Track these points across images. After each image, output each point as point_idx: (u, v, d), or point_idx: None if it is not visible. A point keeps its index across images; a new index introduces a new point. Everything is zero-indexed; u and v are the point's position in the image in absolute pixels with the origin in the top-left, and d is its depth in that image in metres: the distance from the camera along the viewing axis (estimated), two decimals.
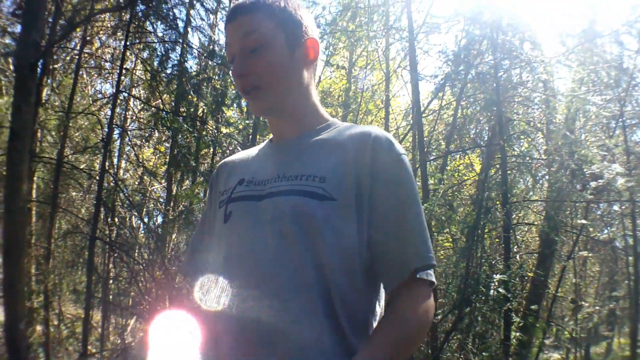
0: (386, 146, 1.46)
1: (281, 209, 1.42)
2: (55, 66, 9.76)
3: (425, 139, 8.22)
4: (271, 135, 1.77)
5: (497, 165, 7.89)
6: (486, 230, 8.01)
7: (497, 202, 7.46)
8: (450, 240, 8.63)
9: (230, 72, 1.58)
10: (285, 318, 1.35)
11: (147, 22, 6.86)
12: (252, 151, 1.78)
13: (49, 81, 9.48)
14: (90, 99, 9.69)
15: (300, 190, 1.43)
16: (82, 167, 8.87)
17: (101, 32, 8.82)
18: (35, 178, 9.63)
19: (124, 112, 9.61)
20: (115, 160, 8.98)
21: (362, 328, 1.42)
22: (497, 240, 8.20)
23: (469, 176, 9.33)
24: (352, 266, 1.39)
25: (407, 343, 1.37)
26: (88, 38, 8.66)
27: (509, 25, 7.57)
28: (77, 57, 8.86)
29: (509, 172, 8.14)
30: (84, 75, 10.38)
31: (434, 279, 1.42)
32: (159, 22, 6.57)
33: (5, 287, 5.01)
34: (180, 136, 7.45)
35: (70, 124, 8.52)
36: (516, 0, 7.91)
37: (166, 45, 6.83)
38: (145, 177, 8.05)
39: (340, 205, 1.40)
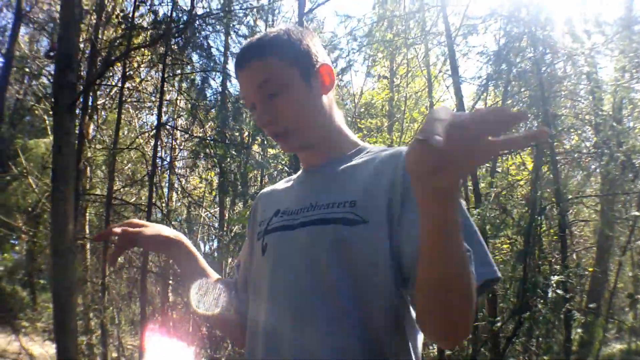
0: None
1: (313, 238, 1.42)
2: (99, 102, 10.05)
3: None
4: None
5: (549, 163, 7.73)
6: (543, 230, 7.89)
7: (552, 200, 7.31)
8: (508, 243, 8.50)
9: (255, 120, 1.53)
10: (323, 352, 1.34)
11: (184, 54, 6.96)
12: (290, 180, 1.79)
13: (95, 117, 9.75)
14: (136, 132, 9.89)
15: (332, 218, 1.41)
16: (132, 200, 9.05)
17: (142, 65, 9.00)
18: (87, 214, 9.89)
19: (170, 142, 9.80)
20: (165, 191, 9.14)
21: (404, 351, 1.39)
22: (555, 239, 8.02)
23: (522, 176, 9.16)
24: (387, 287, 1.36)
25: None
26: (129, 73, 8.86)
27: (547, 19, 7.46)
28: (119, 92, 9.06)
29: (561, 168, 8.00)
30: (130, 109, 10.63)
31: (493, 275, 1.30)
32: (195, 52, 6.63)
33: (55, 326, 5.12)
34: (225, 162, 7.54)
35: (118, 159, 8.71)
36: None
37: (205, 74, 6.91)
38: (192, 207, 8.16)
39: (372, 227, 1.37)
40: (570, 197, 7.90)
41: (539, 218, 7.16)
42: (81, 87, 5.52)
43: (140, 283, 6.55)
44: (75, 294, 5.31)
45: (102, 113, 10.56)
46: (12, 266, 15.14)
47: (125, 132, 10.33)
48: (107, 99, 10.49)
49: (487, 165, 8.82)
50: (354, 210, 1.39)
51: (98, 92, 10.06)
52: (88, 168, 10.03)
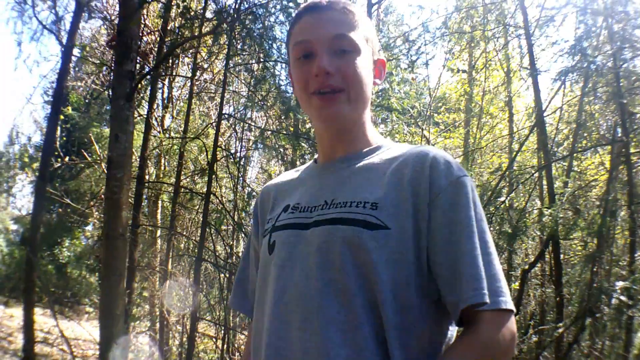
0: (444, 168, 1.39)
1: (329, 240, 1.38)
2: (176, 94, 10.30)
3: (550, 138, 7.90)
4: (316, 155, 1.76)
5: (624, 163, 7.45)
6: (617, 233, 7.64)
7: (623, 203, 7.07)
8: (581, 246, 8.26)
9: (298, 68, 1.45)
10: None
11: (243, 44, 7.02)
12: (296, 173, 1.77)
13: (170, 108, 10.00)
14: (206, 122, 10.08)
15: (351, 219, 1.37)
16: (197, 188, 9.24)
17: (212, 57, 9.16)
18: (159, 202, 10.16)
19: (236, 133, 9.96)
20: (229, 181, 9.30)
21: None
22: (629, 242, 7.74)
23: (599, 176, 8.84)
24: (409, 301, 1.33)
25: None
26: (199, 64, 9.02)
27: (624, 12, 7.18)
28: (190, 83, 9.25)
29: (639, 168, 7.70)
30: (205, 99, 10.85)
31: (501, 306, 1.30)
32: (255, 43, 6.68)
33: (101, 311, 5.27)
34: (286, 153, 7.60)
35: (188, 148, 8.89)
36: None
37: (265, 64, 6.96)
38: (251, 198, 8.26)
39: (395, 235, 1.34)
40: None
41: (611, 220, 6.95)
42: (138, 77, 5.57)
43: (195, 272, 6.67)
44: (124, 281, 5.44)
45: (179, 103, 10.86)
46: (81, 251, 15.67)
47: (199, 123, 10.53)
48: (182, 90, 10.78)
49: (564, 163, 8.57)
50: (375, 214, 1.36)
51: (173, 84, 10.39)
52: (162, 157, 10.34)
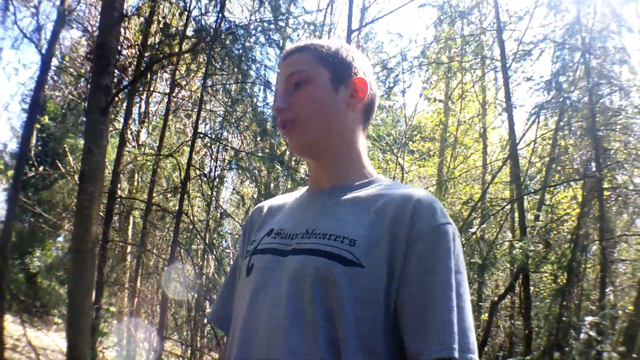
0: (427, 213, 1.33)
1: (302, 269, 1.33)
2: (152, 109, 10.20)
3: (523, 172, 7.92)
4: None
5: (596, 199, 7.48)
6: (588, 267, 7.66)
7: (596, 238, 7.09)
8: (551, 279, 8.27)
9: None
10: None
11: (222, 63, 6.97)
12: (290, 197, 1.71)
13: (146, 124, 9.89)
14: (180, 139, 10.00)
15: (326, 252, 1.32)
16: (169, 206, 9.13)
17: (191, 75, 9.09)
18: (130, 218, 10.02)
19: (211, 152, 9.86)
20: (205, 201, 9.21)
21: None
22: (599, 277, 7.75)
23: (571, 210, 8.86)
24: (373, 343, 1.27)
25: None
26: (177, 81, 8.94)
27: (602, 48, 7.23)
28: (167, 100, 9.16)
29: (612, 204, 7.74)
30: (181, 116, 10.76)
31: None
32: (232, 63, 6.64)
33: (68, 324, 5.17)
34: (261, 175, 7.54)
35: (162, 165, 8.79)
36: (607, 20, 7.40)
37: (242, 84, 6.91)
38: (223, 218, 8.17)
39: (368, 274, 1.28)
40: (613, 235, 7.60)
41: (582, 255, 6.96)
42: (114, 91, 5.48)
43: (163, 291, 6.56)
44: (91, 295, 5.33)
45: (155, 119, 10.76)
46: (52, 262, 15.50)
47: (175, 140, 10.44)
48: (158, 105, 10.69)
49: (536, 197, 8.60)
50: (352, 250, 1.30)
51: (150, 100, 10.29)
52: (135, 173, 10.22)
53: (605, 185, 7.47)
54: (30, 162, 8.59)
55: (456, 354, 1.19)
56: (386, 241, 1.31)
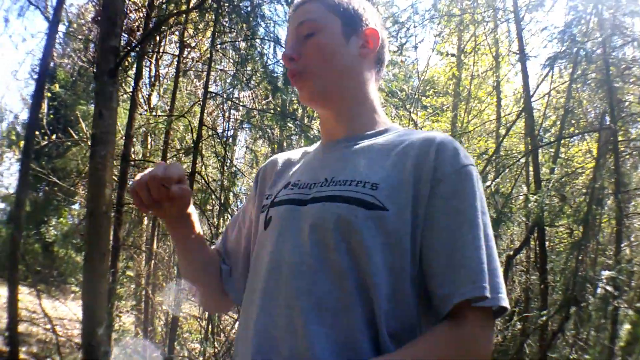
0: (451, 155, 1.34)
1: (323, 216, 1.33)
2: (163, 72, 10.18)
3: (537, 124, 7.87)
4: None
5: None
6: (604, 221, 7.63)
7: (610, 192, 7.04)
8: (566, 233, 8.25)
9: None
10: (323, 346, 1.24)
11: (230, 21, 6.94)
12: (304, 152, 1.72)
13: (157, 86, 9.90)
14: (191, 100, 9.99)
15: (348, 197, 1.32)
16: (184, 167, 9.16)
17: (199, 35, 9.07)
18: None
19: (223, 112, 9.89)
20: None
21: None
22: (615, 231, 7.72)
23: (586, 163, 8.81)
24: (402, 290, 1.27)
25: None
26: (187, 42, 8.92)
27: None
28: (176, 62, 9.16)
29: (627, 157, 7.68)
30: (192, 77, 10.75)
31: (501, 303, 1.24)
32: (241, 21, 6.60)
33: (84, 289, 5.22)
34: (273, 133, 7.56)
35: (174, 126, 8.82)
36: None
37: (251, 42, 6.88)
38: (237, 177, 8.20)
39: (393, 218, 1.28)
40: (628, 189, 7.54)
41: (597, 209, 6.93)
42: (122, 53, 5.48)
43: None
44: (107, 259, 5.38)
45: (165, 82, 10.76)
46: (67, 230, 15.61)
47: (187, 102, 10.45)
48: (168, 68, 10.68)
49: (551, 150, 8.55)
50: (375, 194, 1.30)
51: (160, 62, 10.29)
52: (148, 136, 10.25)
53: (620, 138, 7.40)
54: (43, 130, 8.62)
55: (488, 293, 1.21)
56: (409, 184, 1.31)
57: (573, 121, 8.36)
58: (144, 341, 8.05)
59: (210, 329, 8.31)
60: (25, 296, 10.59)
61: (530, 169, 7.98)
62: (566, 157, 8.87)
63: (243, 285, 1.58)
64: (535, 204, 6.48)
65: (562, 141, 8.35)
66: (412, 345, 1.22)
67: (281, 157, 1.74)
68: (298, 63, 1.50)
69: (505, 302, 1.24)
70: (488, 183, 7.20)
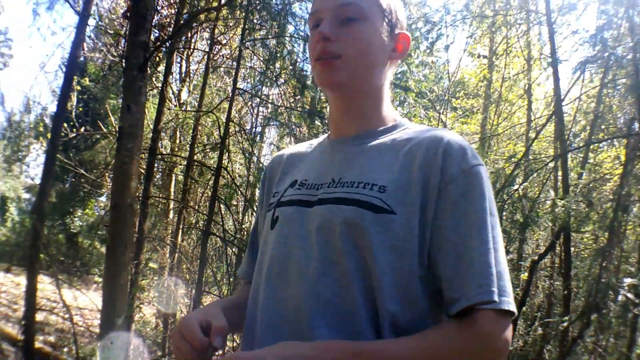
0: (458, 155, 1.33)
1: (331, 219, 1.34)
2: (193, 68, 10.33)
3: (567, 129, 7.86)
4: None
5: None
6: (629, 228, 7.61)
7: (637, 199, 7.04)
8: (592, 239, 8.25)
9: (310, 38, 1.52)
10: None
11: (260, 19, 7.03)
12: (310, 146, 1.72)
13: (187, 82, 10.04)
14: (220, 96, 10.11)
15: (355, 200, 1.33)
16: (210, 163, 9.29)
17: (230, 33, 9.18)
18: (172, 175, 10.25)
19: (251, 109, 10.01)
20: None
21: None
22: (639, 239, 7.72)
23: (614, 169, 8.79)
24: (410, 291, 1.29)
25: None
26: (217, 38, 9.04)
27: None
28: (206, 58, 9.27)
29: None
30: (222, 74, 10.89)
31: (507, 307, 1.24)
32: (271, 18, 6.69)
33: (105, 279, 5.32)
34: (300, 129, 7.63)
35: (202, 122, 8.93)
36: None
37: (281, 39, 6.97)
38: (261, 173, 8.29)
39: (400, 221, 1.29)
40: None
41: (623, 215, 6.92)
42: (152, 48, 5.60)
43: (202, 245, 6.73)
44: (129, 251, 5.48)
45: (196, 78, 10.90)
46: (93, 221, 15.80)
47: (215, 98, 10.56)
48: (198, 65, 10.83)
49: (580, 155, 8.55)
50: (382, 197, 1.31)
51: (190, 59, 10.44)
52: (177, 131, 10.40)
53: None
54: (71, 123, 8.77)
55: (496, 297, 1.22)
56: (417, 186, 1.31)
57: (603, 126, 8.35)
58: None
59: None
60: (47, 285, 10.78)
61: (559, 173, 7.97)
62: (595, 163, 8.85)
63: None
64: (563, 209, 6.48)
65: (591, 146, 8.34)
66: (420, 336, 1.24)
67: (286, 153, 1.74)
68: (334, 45, 1.43)
69: (511, 307, 1.24)
70: (516, 187, 7.22)
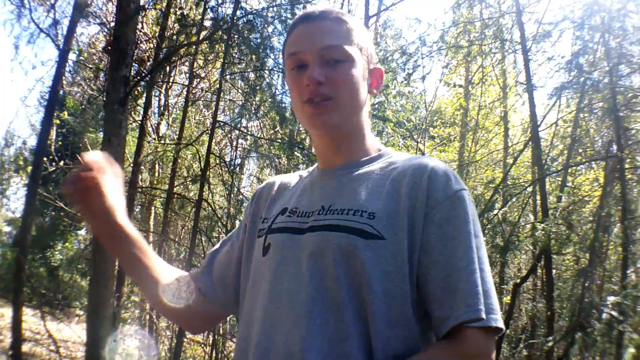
0: (442, 181, 1.36)
1: (323, 245, 1.36)
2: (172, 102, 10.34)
3: (544, 153, 7.94)
4: None
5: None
6: (610, 248, 7.69)
7: (617, 220, 7.12)
8: (573, 261, 8.31)
9: (292, 79, 1.52)
10: None
11: (239, 53, 7.07)
12: (301, 175, 1.72)
13: (166, 115, 10.05)
14: (199, 129, 10.13)
15: (347, 227, 1.35)
16: (191, 195, 9.27)
17: (209, 66, 9.22)
18: (152, 208, 10.20)
19: (231, 141, 10.01)
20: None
21: None
22: (621, 258, 7.77)
23: (593, 192, 8.88)
24: (403, 315, 1.31)
25: None
26: (196, 72, 9.07)
27: (620, 28, 7.24)
28: (186, 92, 9.29)
29: (634, 185, 7.76)
30: (200, 106, 10.90)
31: (496, 324, 1.27)
32: (250, 52, 6.74)
33: (89, 311, 5.29)
34: (280, 161, 7.64)
35: (182, 155, 8.92)
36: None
37: (260, 73, 7.01)
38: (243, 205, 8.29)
39: (390, 246, 1.31)
40: (635, 216, 7.60)
41: (604, 236, 6.99)
42: (132, 82, 5.62)
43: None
44: (112, 283, 5.45)
45: (175, 111, 10.90)
46: (73, 255, 15.67)
47: (195, 131, 10.56)
48: (178, 98, 10.85)
49: (558, 179, 8.63)
50: (372, 223, 1.33)
51: (169, 92, 10.46)
52: (156, 164, 10.37)
53: (627, 166, 7.48)
54: (51, 157, 8.74)
55: (483, 315, 1.24)
56: (404, 212, 1.34)
57: (580, 150, 8.45)
58: None
59: (214, 355, 8.33)
60: (30, 318, 10.66)
61: (538, 197, 8.04)
62: (573, 186, 8.94)
63: (222, 290, 1.66)
64: (542, 232, 6.53)
65: (570, 170, 8.42)
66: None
67: (278, 180, 1.75)
68: (325, 88, 1.44)
69: (499, 323, 1.27)
70: (495, 211, 7.26)
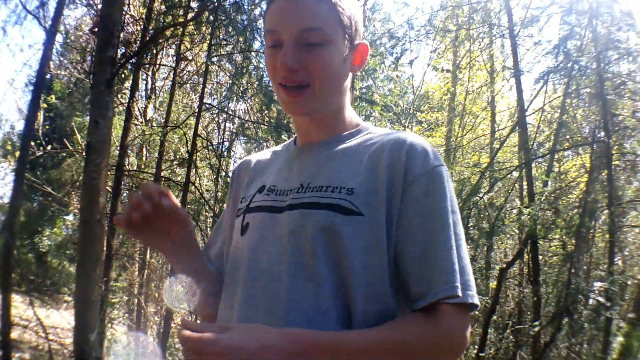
0: (421, 156, 1.36)
1: (302, 223, 1.35)
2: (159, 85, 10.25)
3: (531, 138, 7.92)
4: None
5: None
6: (598, 234, 7.69)
7: (603, 205, 7.11)
8: (559, 246, 8.30)
9: (269, 57, 1.44)
10: None
11: (226, 34, 7.00)
12: (276, 151, 1.70)
13: (153, 98, 9.96)
14: (186, 112, 10.06)
15: (325, 204, 1.34)
16: (178, 179, 9.21)
17: (196, 48, 9.14)
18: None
19: (218, 124, 9.96)
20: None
21: None
22: (608, 244, 7.77)
23: (580, 178, 8.87)
24: (382, 289, 1.30)
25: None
26: (183, 54, 8.99)
27: (608, 13, 7.21)
28: (173, 74, 9.22)
29: (620, 171, 7.75)
30: (187, 89, 10.83)
31: (472, 300, 1.27)
32: (237, 33, 6.66)
33: (76, 296, 5.23)
34: (267, 144, 7.61)
35: (169, 138, 8.86)
36: None
37: (247, 54, 6.95)
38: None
39: (369, 221, 1.31)
40: (622, 202, 7.60)
41: (590, 222, 6.99)
42: (119, 63, 5.53)
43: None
44: (100, 267, 5.39)
45: (162, 94, 10.82)
46: (61, 240, 15.60)
47: (182, 114, 10.49)
48: (165, 81, 10.76)
49: (544, 164, 8.62)
50: (351, 199, 1.33)
51: (156, 75, 10.37)
52: (143, 147, 10.29)
53: (614, 152, 7.47)
54: (38, 141, 8.66)
55: (459, 292, 1.25)
56: (383, 187, 1.33)
57: (567, 135, 8.42)
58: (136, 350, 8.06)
59: None
60: (18, 304, 10.62)
61: (524, 183, 8.03)
62: (560, 171, 8.93)
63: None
64: (528, 216, 6.52)
65: (556, 155, 8.41)
66: (389, 327, 1.27)
67: (254, 158, 1.74)
68: (299, 74, 1.39)
69: (475, 299, 1.28)
70: (481, 195, 7.25)
